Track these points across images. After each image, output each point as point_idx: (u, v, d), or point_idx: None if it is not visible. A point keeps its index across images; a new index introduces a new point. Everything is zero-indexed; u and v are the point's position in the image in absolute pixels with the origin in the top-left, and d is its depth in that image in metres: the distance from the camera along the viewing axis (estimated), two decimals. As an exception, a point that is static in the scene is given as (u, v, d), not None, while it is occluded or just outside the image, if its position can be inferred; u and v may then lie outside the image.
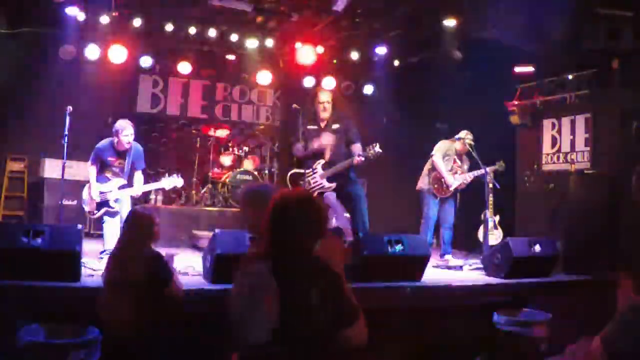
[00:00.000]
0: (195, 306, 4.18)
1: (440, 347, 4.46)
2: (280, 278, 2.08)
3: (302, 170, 5.99)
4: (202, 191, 8.41)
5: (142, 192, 6.02)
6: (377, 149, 5.59)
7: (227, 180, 8.23)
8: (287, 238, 2.22)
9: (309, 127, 6.02)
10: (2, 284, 3.89)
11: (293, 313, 2.06)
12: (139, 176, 5.82)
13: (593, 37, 6.50)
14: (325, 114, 5.96)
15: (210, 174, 8.47)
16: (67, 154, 5.76)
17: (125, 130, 5.61)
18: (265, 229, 2.28)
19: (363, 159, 5.62)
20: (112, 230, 5.49)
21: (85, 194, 5.76)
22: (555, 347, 4.10)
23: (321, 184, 5.82)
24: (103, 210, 5.65)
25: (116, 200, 5.66)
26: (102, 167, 5.77)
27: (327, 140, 5.80)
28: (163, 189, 6.85)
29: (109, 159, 5.71)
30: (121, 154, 5.74)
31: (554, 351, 3.97)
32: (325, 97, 5.99)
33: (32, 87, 7.78)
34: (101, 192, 5.64)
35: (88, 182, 5.73)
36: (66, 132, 5.60)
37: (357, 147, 5.89)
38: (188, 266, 5.21)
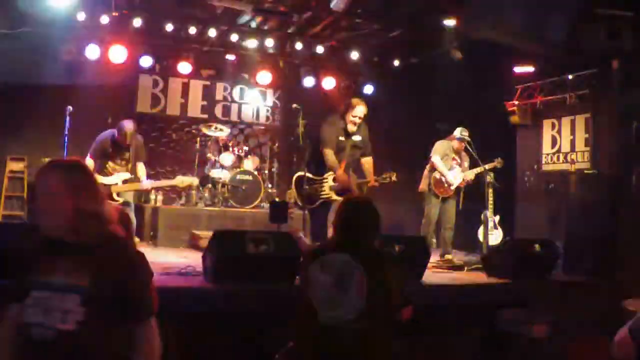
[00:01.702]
0: (195, 306, 4.19)
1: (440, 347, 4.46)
2: (357, 264, 2.49)
3: (310, 175, 5.93)
4: (202, 191, 8.41)
5: (144, 189, 6.03)
6: (394, 178, 5.71)
7: (227, 180, 8.23)
8: (358, 234, 2.68)
9: (340, 138, 5.92)
10: (3, 284, 3.88)
11: (375, 294, 2.47)
12: (142, 168, 5.85)
13: (593, 37, 6.50)
14: (354, 128, 5.91)
15: (210, 174, 8.47)
16: (67, 154, 5.77)
17: (126, 129, 5.65)
18: (338, 226, 2.73)
19: (377, 184, 5.73)
20: None
21: None
22: (555, 347, 4.10)
23: (329, 195, 5.82)
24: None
25: (118, 194, 5.67)
26: (105, 160, 5.78)
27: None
28: (172, 188, 6.70)
29: (111, 149, 5.75)
30: (123, 146, 5.80)
31: (554, 351, 3.98)
32: (361, 112, 5.92)
33: (32, 87, 7.77)
34: (104, 185, 5.60)
35: None
36: (66, 132, 5.61)
37: (367, 162, 5.98)
38: (188, 266, 5.22)
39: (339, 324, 2.47)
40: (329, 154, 5.82)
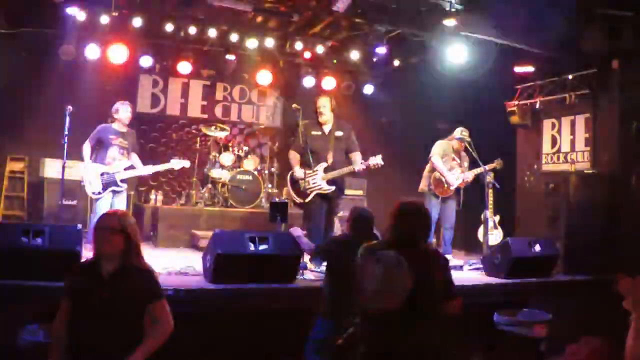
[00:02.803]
0: (195, 306, 4.19)
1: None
2: (407, 260, 2.76)
3: (302, 170, 6.02)
4: (202, 191, 8.41)
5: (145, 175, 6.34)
6: (379, 160, 5.72)
7: (227, 180, 8.23)
8: (407, 233, 3.01)
9: (313, 132, 6.06)
10: (3, 284, 3.89)
11: (419, 286, 2.73)
12: (136, 157, 6.17)
13: (593, 37, 6.50)
14: (321, 118, 6.03)
15: (210, 174, 8.47)
16: (67, 154, 5.79)
17: (124, 107, 6.05)
18: (392, 227, 3.06)
19: (364, 167, 5.78)
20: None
21: (86, 174, 5.89)
22: (555, 347, 4.10)
23: (320, 185, 5.89)
24: (110, 189, 5.90)
25: (123, 181, 5.96)
26: (105, 148, 5.99)
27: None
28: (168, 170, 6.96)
29: (111, 136, 6.00)
30: (122, 134, 6.05)
31: (554, 351, 3.98)
32: (320, 102, 6.06)
33: (32, 87, 7.78)
34: (107, 173, 5.90)
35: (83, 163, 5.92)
36: (66, 132, 5.62)
37: (356, 156, 6.04)
38: (188, 266, 5.22)
39: (391, 313, 2.77)
40: (290, 153, 6.21)
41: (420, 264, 2.83)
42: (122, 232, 2.81)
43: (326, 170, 5.91)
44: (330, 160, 5.94)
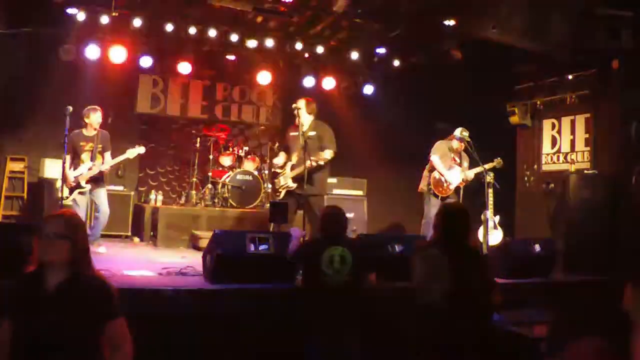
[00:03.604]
0: (195, 306, 4.19)
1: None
2: (449, 258, 3.08)
3: (278, 169, 6.33)
4: (202, 191, 8.41)
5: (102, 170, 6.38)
6: (327, 155, 5.91)
7: (227, 180, 8.23)
8: (449, 233, 3.31)
9: (291, 133, 6.28)
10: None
11: (459, 282, 3.02)
12: (108, 157, 6.33)
13: (593, 37, 6.50)
14: (302, 121, 6.15)
15: (210, 174, 8.47)
16: (66, 154, 5.81)
17: (96, 113, 6.21)
18: (436, 227, 3.41)
19: (314, 164, 5.86)
20: (82, 212, 6.06)
21: (58, 182, 6.20)
22: (555, 347, 4.10)
23: (286, 183, 6.08)
24: (76, 192, 6.13)
25: (87, 181, 6.17)
26: (75, 154, 6.22)
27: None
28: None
29: (81, 143, 6.21)
30: (90, 139, 6.23)
31: (554, 351, 3.98)
32: (297, 105, 6.20)
33: (32, 87, 7.77)
34: (75, 177, 6.14)
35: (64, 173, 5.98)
36: (66, 132, 5.62)
37: (322, 153, 6.06)
38: (188, 266, 5.22)
39: (433, 305, 3.06)
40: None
41: (461, 261, 3.14)
42: (68, 237, 2.33)
43: (292, 168, 6.08)
44: (294, 159, 6.09)
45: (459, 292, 3.03)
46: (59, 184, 6.09)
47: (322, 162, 5.90)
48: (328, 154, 5.99)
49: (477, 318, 3.26)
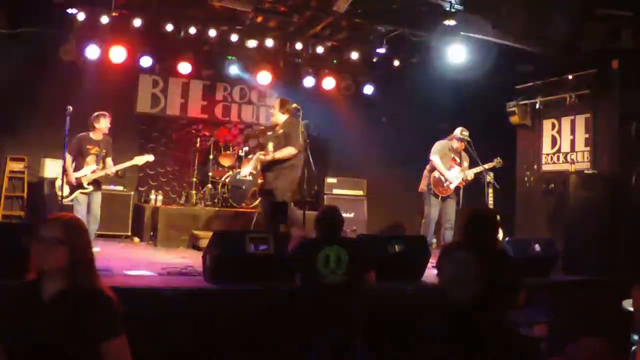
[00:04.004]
0: (195, 306, 4.19)
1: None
2: (477, 260, 3.14)
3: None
4: (202, 191, 8.41)
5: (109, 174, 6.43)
6: (283, 152, 6.01)
7: (227, 180, 8.22)
8: (477, 235, 3.43)
9: (268, 133, 6.58)
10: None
11: (487, 283, 3.09)
12: (109, 161, 6.39)
13: (593, 37, 6.50)
14: (271, 119, 6.51)
15: (210, 174, 8.47)
16: (66, 154, 5.82)
17: (105, 118, 6.28)
18: (463, 229, 3.53)
19: (264, 158, 6.15)
20: (83, 211, 6.10)
21: (58, 182, 6.15)
22: (555, 347, 4.10)
23: (244, 173, 6.89)
24: (77, 192, 6.16)
25: (90, 183, 6.20)
26: (81, 156, 6.24)
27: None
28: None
29: (88, 146, 6.23)
30: (97, 143, 6.28)
31: (554, 351, 3.98)
32: (273, 104, 6.48)
33: (32, 87, 7.78)
34: (76, 178, 6.16)
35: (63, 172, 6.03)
36: (66, 132, 5.62)
37: (281, 151, 6.16)
38: (188, 266, 5.22)
39: (463, 305, 3.15)
40: None
41: (487, 262, 3.23)
42: (66, 243, 2.11)
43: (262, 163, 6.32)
44: (268, 156, 6.19)
45: (486, 293, 3.13)
46: (58, 182, 6.08)
47: (269, 158, 6.03)
48: (285, 151, 6.02)
49: (502, 319, 3.39)
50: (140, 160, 6.51)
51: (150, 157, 6.64)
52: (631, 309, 2.78)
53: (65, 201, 6.04)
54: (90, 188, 6.20)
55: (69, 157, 6.09)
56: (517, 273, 3.65)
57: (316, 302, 3.82)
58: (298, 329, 3.91)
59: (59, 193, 6.02)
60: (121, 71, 8.25)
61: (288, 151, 6.02)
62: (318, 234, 4.03)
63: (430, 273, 5.35)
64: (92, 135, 6.28)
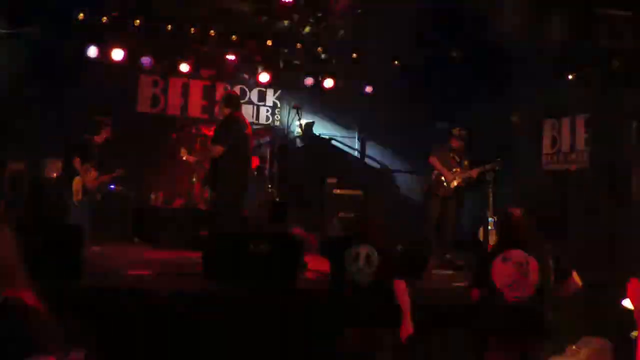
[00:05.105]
0: (195, 306, 4.19)
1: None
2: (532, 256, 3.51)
3: None
4: (202, 191, 8.40)
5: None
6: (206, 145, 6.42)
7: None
8: (524, 234, 3.71)
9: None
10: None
11: (543, 276, 3.53)
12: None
13: (593, 37, 6.50)
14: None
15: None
16: (66, 154, 5.82)
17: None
18: (500, 230, 4.00)
19: (191, 158, 6.65)
20: (87, 214, 6.27)
21: (76, 184, 6.28)
22: (554, 347, 4.10)
23: None
24: (84, 195, 6.30)
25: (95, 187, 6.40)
26: (85, 159, 6.33)
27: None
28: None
29: (95, 150, 6.38)
30: (100, 147, 6.44)
31: (554, 350, 3.98)
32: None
33: (32, 87, 7.77)
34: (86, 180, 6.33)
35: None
36: (69, 133, 5.64)
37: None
38: (188, 266, 5.22)
39: (521, 301, 3.43)
40: None
41: (539, 256, 3.54)
42: None
43: None
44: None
45: (542, 285, 3.48)
46: (76, 184, 6.22)
47: (199, 158, 6.33)
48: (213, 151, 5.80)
49: (535, 311, 3.60)
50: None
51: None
52: (631, 307, 2.77)
53: (77, 203, 6.17)
54: (95, 190, 6.38)
55: (77, 162, 6.23)
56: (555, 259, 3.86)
57: (345, 299, 3.84)
58: (298, 329, 3.91)
59: (75, 196, 6.17)
60: (121, 71, 8.25)
61: (213, 150, 5.85)
62: (349, 232, 4.29)
63: (430, 273, 5.36)
64: (97, 139, 6.41)
